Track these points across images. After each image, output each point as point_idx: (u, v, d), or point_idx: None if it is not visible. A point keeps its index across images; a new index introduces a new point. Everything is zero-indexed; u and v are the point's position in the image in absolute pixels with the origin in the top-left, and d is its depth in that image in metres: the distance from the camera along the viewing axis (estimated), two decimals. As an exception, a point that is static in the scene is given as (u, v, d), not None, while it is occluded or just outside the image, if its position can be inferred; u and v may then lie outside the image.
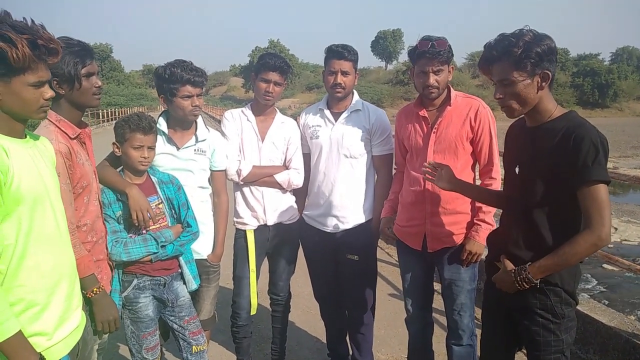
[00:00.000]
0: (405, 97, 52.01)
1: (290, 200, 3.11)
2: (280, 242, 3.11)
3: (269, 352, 3.45)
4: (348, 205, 3.00)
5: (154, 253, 2.40)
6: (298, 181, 3.05)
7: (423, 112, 2.68)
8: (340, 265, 3.09)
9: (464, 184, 2.42)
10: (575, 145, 1.80)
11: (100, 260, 2.18)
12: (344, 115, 3.00)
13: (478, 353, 2.56)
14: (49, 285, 1.64)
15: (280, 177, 2.99)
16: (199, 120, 2.79)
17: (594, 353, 3.49)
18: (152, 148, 2.46)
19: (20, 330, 1.50)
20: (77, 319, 1.78)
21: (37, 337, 1.59)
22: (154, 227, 2.46)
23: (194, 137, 2.74)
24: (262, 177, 2.97)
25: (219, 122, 3.38)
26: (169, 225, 2.52)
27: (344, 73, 2.90)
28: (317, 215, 3.09)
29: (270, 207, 3.01)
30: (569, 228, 1.88)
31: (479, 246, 2.57)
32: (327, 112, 3.04)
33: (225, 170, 2.89)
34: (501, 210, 2.26)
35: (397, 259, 3.13)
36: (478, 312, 2.49)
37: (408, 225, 2.77)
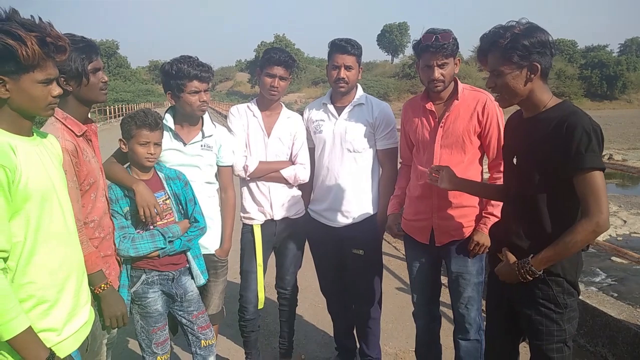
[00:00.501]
0: (412, 91, 51.88)
1: (296, 195, 3.11)
2: (287, 236, 3.12)
3: (276, 346, 3.47)
4: (352, 200, 2.99)
5: (162, 248, 2.41)
6: (304, 176, 3.05)
7: (430, 106, 2.67)
8: (346, 259, 3.09)
9: (466, 183, 2.43)
10: (567, 134, 1.82)
11: (108, 255, 2.20)
12: (347, 109, 2.99)
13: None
14: (58, 282, 1.65)
15: (286, 172, 2.99)
16: (206, 116, 2.79)
17: (603, 346, 3.48)
18: (158, 144, 2.47)
19: (30, 327, 1.52)
20: (85, 315, 1.79)
21: (47, 333, 1.60)
22: (161, 222, 2.47)
23: (200, 133, 2.75)
24: (269, 173, 2.98)
25: (226, 117, 3.38)
26: (176, 220, 2.53)
27: (347, 67, 2.89)
28: (321, 210, 3.09)
29: (277, 202, 3.01)
30: (567, 216, 1.90)
31: (487, 238, 2.56)
32: (330, 107, 3.04)
33: (232, 166, 2.90)
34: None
35: (404, 253, 3.12)
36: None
37: (415, 219, 2.77)
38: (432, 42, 2.49)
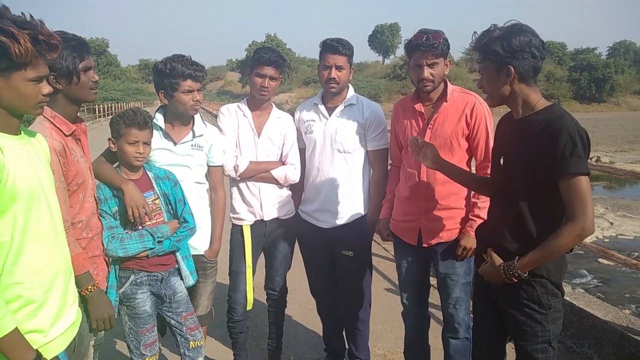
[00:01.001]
0: (403, 92, 51.99)
1: (286, 195, 3.11)
2: (276, 237, 3.11)
3: (265, 347, 3.46)
4: (342, 201, 3.00)
5: (151, 248, 2.40)
6: (294, 176, 3.04)
7: (419, 107, 2.68)
8: (335, 260, 3.10)
9: (448, 165, 2.45)
10: (553, 138, 1.83)
11: (96, 256, 2.18)
12: (338, 109, 2.99)
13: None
14: (45, 282, 1.64)
15: (276, 173, 2.98)
16: (196, 115, 2.78)
17: (589, 347, 3.51)
18: (147, 143, 2.45)
19: (16, 328, 1.50)
20: (72, 316, 1.78)
21: (33, 334, 1.58)
22: (150, 222, 2.45)
23: (191, 133, 2.74)
24: (259, 173, 2.97)
25: (216, 117, 3.37)
26: (166, 220, 2.52)
27: (339, 67, 2.88)
28: (312, 211, 3.09)
29: (267, 202, 3.01)
30: (553, 219, 1.92)
31: (473, 241, 2.58)
32: (321, 107, 3.03)
33: (222, 166, 2.89)
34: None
35: (393, 254, 3.13)
36: (474, 307, 2.50)
37: (403, 220, 2.78)
38: (423, 41, 2.50)
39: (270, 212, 3.02)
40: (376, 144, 3.00)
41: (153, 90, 2.80)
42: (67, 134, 2.01)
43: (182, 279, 2.59)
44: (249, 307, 3.09)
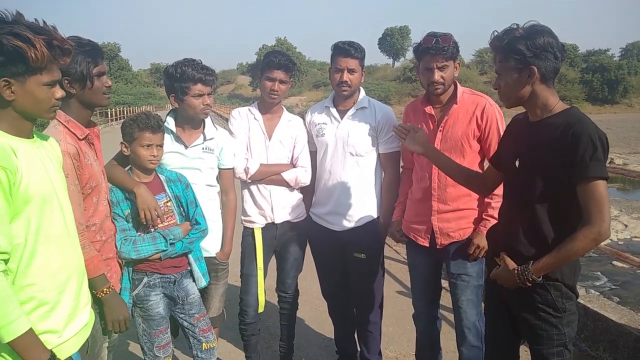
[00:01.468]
0: (413, 94, 51.82)
1: (297, 198, 3.11)
2: (287, 240, 3.11)
3: (277, 350, 3.46)
4: (354, 203, 2.99)
5: (163, 251, 2.42)
6: (305, 179, 3.05)
7: (429, 109, 2.68)
8: (347, 263, 3.09)
9: (436, 152, 2.43)
10: (573, 141, 1.81)
11: (110, 258, 2.19)
12: (350, 113, 2.99)
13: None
14: (59, 284, 1.66)
15: (287, 175, 2.99)
16: (207, 119, 2.80)
17: (604, 350, 3.47)
18: (160, 146, 2.48)
19: (31, 329, 1.52)
20: (85, 317, 1.80)
21: (47, 335, 1.61)
22: (162, 225, 2.47)
23: (202, 136, 2.75)
24: (270, 175, 2.98)
25: (227, 120, 3.38)
26: (178, 223, 2.53)
27: (350, 71, 2.88)
28: (323, 214, 3.09)
29: (278, 205, 3.01)
30: (569, 223, 1.89)
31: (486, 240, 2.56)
32: (333, 110, 3.03)
33: (233, 169, 2.91)
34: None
35: (405, 257, 3.13)
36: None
37: (416, 222, 2.78)
38: (432, 44, 2.50)
39: (281, 215, 3.03)
40: (388, 146, 2.99)
41: (164, 94, 2.83)
42: (81, 137, 2.03)
43: (194, 280, 2.61)
44: (261, 309, 3.10)
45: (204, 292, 2.74)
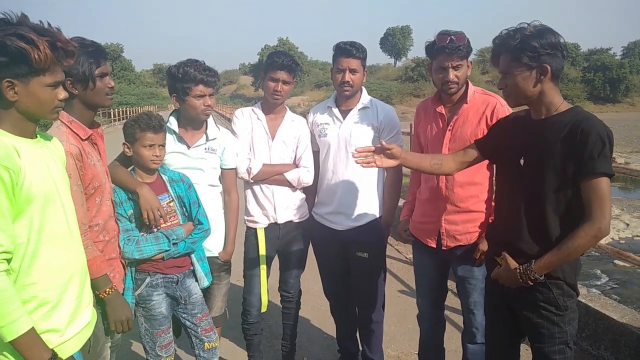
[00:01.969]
0: (415, 94, 51.79)
1: (300, 198, 3.12)
2: (290, 240, 3.12)
3: (279, 349, 3.47)
4: (357, 203, 3.00)
5: (166, 251, 2.43)
6: (308, 179, 3.06)
7: (440, 109, 2.66)
8: (349, 262, 3.10)
9: (408, 155, 2.37)
10: (582, 138, 1.83)
11: (113, 259, 2.20)
12: (352, 113, 2.99)
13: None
14: (61, 283, 1.67)
15: (290, 175, 3.00)
16: (210, 119, 2.81)
17: (605, 349, 3.47)
18: (163, 146, 2.48)
19: (32, 328, 1.53)
20: (87, 316, 1.80)
21: (49, 334, 1.61)
22: (165, 225, 2.48)
23: (204, 136, 2.76)
24: (272, 175, 2.98)
25: (229, 120, 3.39)
26: (180, 223, 2.54)
27: (352, 71, 2.89)
28: (326, 213, 3.10)
29: (281, 205, 3.02)
30: (574, 220, 1.90)
31: None
32: (335, 110, 3.04)
33: (235, 169, 2.91)
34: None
35: (406, 256, 3.14)
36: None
37: (423, 222, 2.78)
38: (447, 43, 2.48)
39: (283, 216, 3.04)
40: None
41: (167, 94, 2.84)
42: (84, 138, 2.04)
43: (197, 280, 2.62)
44: (264, 309, 3.11)
45: (206, 291, 2.75)
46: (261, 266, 3.04)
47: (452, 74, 2.53)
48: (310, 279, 3.48)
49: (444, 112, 2.66)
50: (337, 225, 3.05)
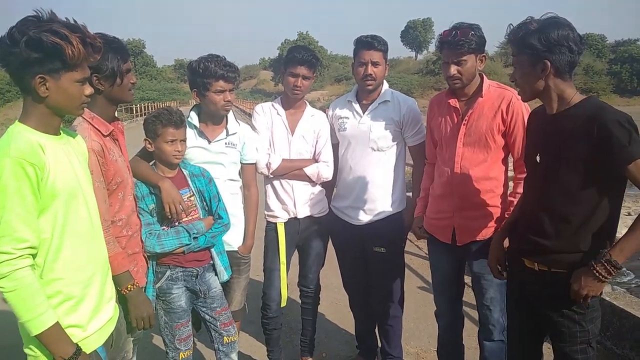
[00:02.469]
0: (436, 87, 51.30)
1: (320, 193, 3.12)
2: (310, 235, 3.12)
3: (298, 344, 3.48)
4: (375, 198, 2.99)
5: (187, 244, 2.45)
6: (327, 174, 3.05)
7: (454, 102, 2.63)
8: (367, 257, 3.09)
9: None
10: (603, 131, 1.79)
11: (136, 253, 2.23)
12: (372, 107, 2.97)
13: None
14: (84, 278, 1.69)
15: (309, 170, 3.00)
16: (230, 114, 2.82)
17: (631, 349, 3.40)
18: (184, 141, 2.50)
19: (57, 322, 1.55)
20: (110, 311, 1.83)
21: (73, 329, 1.64)
22: (186, 219, 2.50)
23: (224, 131, 2.78)
24: (292, 170, 2.99)
25: (249, 115, 3.41)
26: (201, 217, 2.56)
27: (374, 64, 2.86)
28: (344, 207, 3.09)
29: (300, 200, 3.02)
30: (594, 213, 1.88)
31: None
32: (355, 105, 3.02)
33: (255, 164, 2.92)
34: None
35: (426, 252, 3.11)
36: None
37: (437, 218, 2.75)
38: (448, 38, 2.46)
39: (303, 210, 3.04)
40: (416, 138, 2.99)
41: (188, 89, 2.86)
42: (105, 134, 2.05)
43: (216, 274, 2.63)
44: (283, 303, 3.12)
45: (225, 285, 2.77)
46: (281, 261, 3.05)
47: (453, 69, 2.49)
48: (330, 274, 3.49)
49: (458, 106, 2.62)
50: (355, 219, 3.05)
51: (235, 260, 2.82)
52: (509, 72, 2.26)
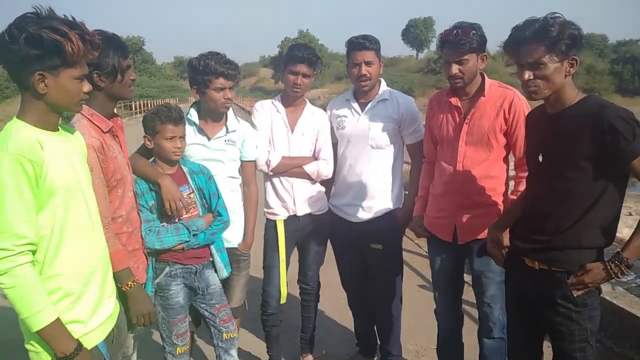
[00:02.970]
0: (437, 86, 51.23)
1: (319, 191, 3.12)
2: (309, 232, 3.12)
3: (298, 341, 3.48)
4: (372, 195, 2.99)
5: (186, 241, 2.45)
6: (327, 172, 3.05)
7: (455, 101, 2.62)
8: (365, 254, 3.09)
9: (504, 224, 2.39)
10: (609, 128, 1.79)
11: (136, 249, 2.23)
12: (370, 105, 2.98)
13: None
14: (84, 275, 1.69)
15: (309, 168, 3.00)
16: (230, 111, 2.82)
17: (631, 348, 3.40)
18: (183, 137, 2.50)
19: (58, 318, 1.55)
20: (110, 307, 1.83)
21: (73, 325, 1.64)
22: (185, 216, 2.51)
23: (224, 128, 2.77)
24: (291, 168, 2.99)
25: (249, 113, 3.41)
26: (200, 214, 2.56)
27: (368, 63, 2.86)
28: (342, 205, 3.10)
29: (300, 197, 3.02)
30: (597, 211, 1.88)
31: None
32: (353, 103, 3.03)
33: (255, 161, 2.92)
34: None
35: (426, 250, 3.10)
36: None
37: (438, 217, 2.75)
38: (449, 37, 2.45)
39: (303, 208, 3.04)
40: (414, 136, 2.99)
41: (188, 87, 2.86)
42: (105, 130, 2.05)
43: (216, 271, 2.63)
44: (283, 300, 3.12)
45: (225, 282, 2.77)
46: (280, 258, 3.05)
47: (454, 68, 2.49)
48: (330, 272, 3.49)
49: (460, 104, 2.62)
50: (352, 217, 3.05)
51: (235, 257, 2.82)
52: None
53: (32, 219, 1.52)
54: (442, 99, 2.75)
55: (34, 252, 1.55)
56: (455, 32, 2.44)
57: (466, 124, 2.58)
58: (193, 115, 2.75)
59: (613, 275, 1.86)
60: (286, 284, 3.10)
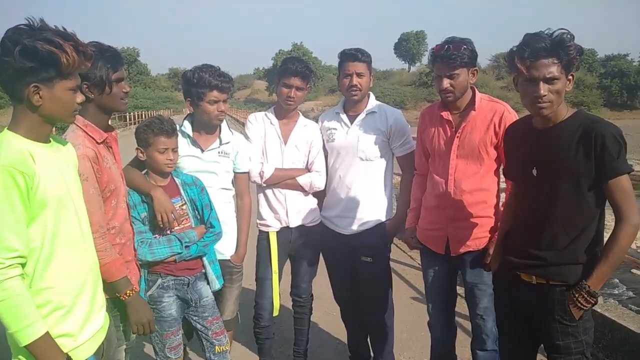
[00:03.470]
0: (429, 99, 51.62)
1: (312, 203, 3.12)
2: (302, 244, 3.12)
3: (291, 354, 3.46)
4: (362, 208, 3.01)
5: (178, 253, 2.44)
6: (320, 184, 3.06)
7: (447, 115, 2.65)
8: (355, 267, 3.10)
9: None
10: (600, 142, 1.82)
11: (129, 261, 2.21)
12: (360, 118, 3.01)
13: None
14: (75, 287, 1.68)
15: (302, 180, 3.01)
16: (223, 123, 2.83)
17: (622, 360, 3.41)
18: (175, 149, 2.50)
19: (47, 332, 1.53)
20: (100, 320, 1.81)
21: (63, 338, 1.62)
22: (177, 228, 2.50)
23: (218, 140, 2.78)
24: (284, 180, 3.00)
25: (243, 124, 3.42)
26: (193, 226, 2.55)
27: (359, 74, 2.91)
28: (332, 217, 3.11)
29: (293, 209, 3.03)
30: (590, 224, 1.91)
31: None
32: (343, 116, 3.06)
33: (248, 173, 2.93)
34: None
35: (419, 262, 3.11)
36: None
37: (431, 229, 2.76)
38: (441, 52, 2.49)
39: (295, 220, 3.04)
40: (404, 149, 3.02)
41: (182, 98, 2.86)
42: (99, 141, 2.05)
43: (208, 283, 2.62)
44: (275, 313, 3.11)
45: (218, 294, 2.76)
46: (273, 270, 3.04)
47: (445, 83, 2.52)
48: (323, 285, 3.48)
49: (451, 118, 2.65)
50: (342, 229, 3.06)
51: (228, 269, 2.81)
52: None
53: (23, 231, 1.51)
54: (433, 113, 2.77)
55: (23, 265, 1.53)
56: (446, 47, 2.48)
57: (457, 137, 2.61)
58: (187, 127, 2.75)
59: (580, 306, 1.91)
60: (279, 296, 3.09)
